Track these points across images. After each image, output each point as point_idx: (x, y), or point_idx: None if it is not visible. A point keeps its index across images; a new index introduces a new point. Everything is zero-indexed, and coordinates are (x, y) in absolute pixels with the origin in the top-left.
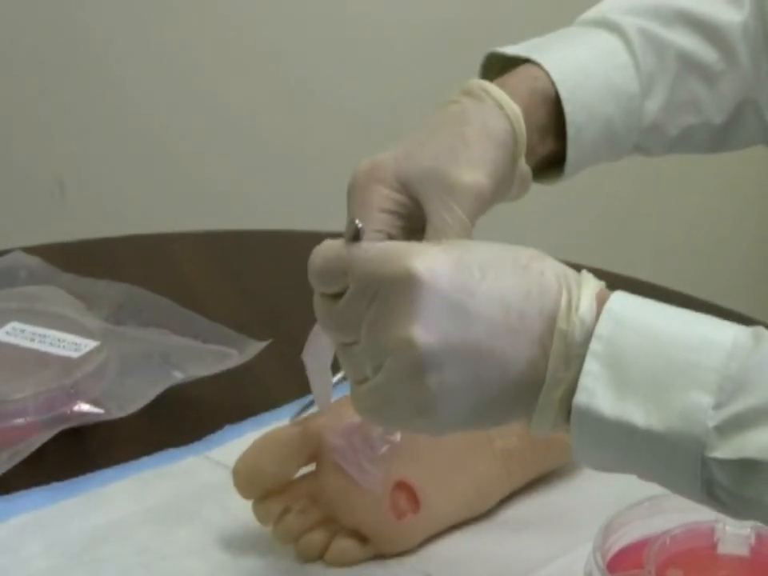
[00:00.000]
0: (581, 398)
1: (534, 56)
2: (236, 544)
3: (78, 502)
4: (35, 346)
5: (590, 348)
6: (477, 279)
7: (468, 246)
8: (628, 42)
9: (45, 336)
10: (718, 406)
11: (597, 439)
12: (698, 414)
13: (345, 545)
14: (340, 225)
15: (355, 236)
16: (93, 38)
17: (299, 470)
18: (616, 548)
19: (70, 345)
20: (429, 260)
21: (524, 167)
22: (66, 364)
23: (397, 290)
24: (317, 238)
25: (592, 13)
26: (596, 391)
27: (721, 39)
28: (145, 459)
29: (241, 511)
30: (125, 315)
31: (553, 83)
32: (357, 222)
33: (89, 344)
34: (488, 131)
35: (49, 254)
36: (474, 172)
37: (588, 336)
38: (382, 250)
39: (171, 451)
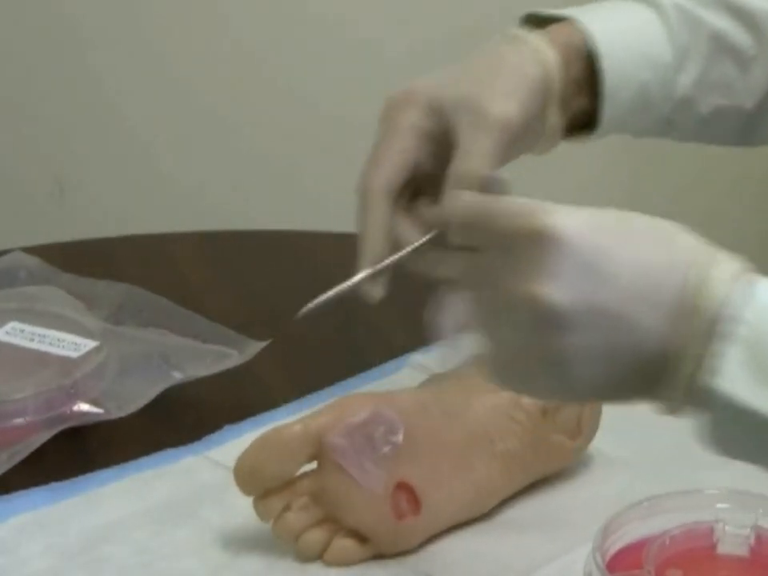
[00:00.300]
0: (718, 381)
1: (573, 15)
2: (235, 544)
3: (78, 502)
4: (35, 345)
5: (734, 331)
6: (616, 244)
7: (614, 213)
8: (664, 15)
9: (44, 336)
10: None
11: (728, 426)
12: None
13: (345, 544)
14: (339, 225)
15: (492, 188)
16: (92, 39)
17: (300, 468)
18: (615, 548)
19: (70, 345)
20: (568, 219)
21: (554, 118)
22: (66, 364)
23: (533, 245)
24: (316, 238)
25: None
26: (736, 377)
27: (755, 25)
28: (144, 459)
29: (240, 511)
30: (124, 315)
31: (588, 42)
32: (497, 175)
33: (88, 344)
34: (522, 71)
35: (48, 255)
36: (504, 104)
37: (730, 318)
38: (523, 206)
39: (170, 451)
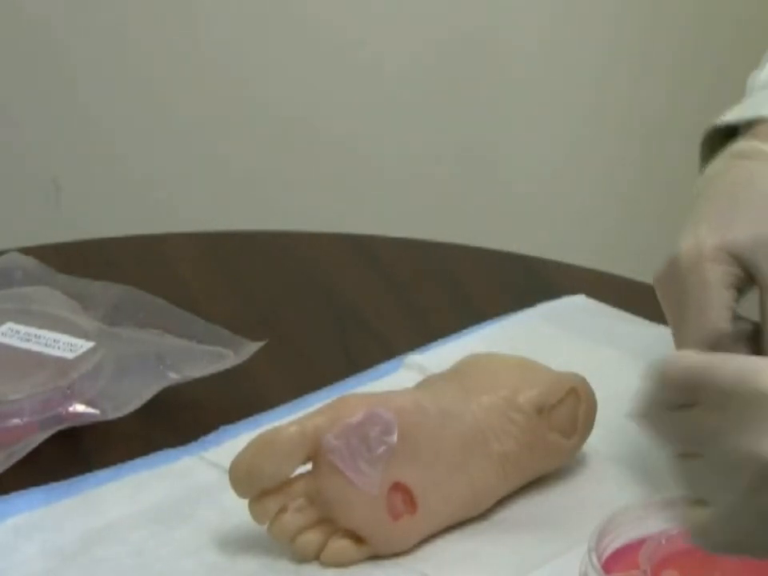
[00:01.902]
0: None
1: (763, 113)
2: (232, 545)
3: (74, 503)
4: (31, 346)
5: None
6: None
7: None
8: None
9: (40, 337)
10: None
11: None
12: None
13: (341, 545)
14: (338, 226)
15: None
16: (89, 39)
17: (296, 469)
18: (611, 548)
19: (66, 345)
20: None
21: None
22: (62, 365)
23: (753, 406)
24: (314, 238)
25: None
26: None
27: None
28: (140, 460)
29: (237, 512)
30: (120, 316)
31: None
32: (721, 326)
33: (84, 345)
34: None
35: (44, 255)
36: None
37: None
38: (741, 364)
39: (167, 452)
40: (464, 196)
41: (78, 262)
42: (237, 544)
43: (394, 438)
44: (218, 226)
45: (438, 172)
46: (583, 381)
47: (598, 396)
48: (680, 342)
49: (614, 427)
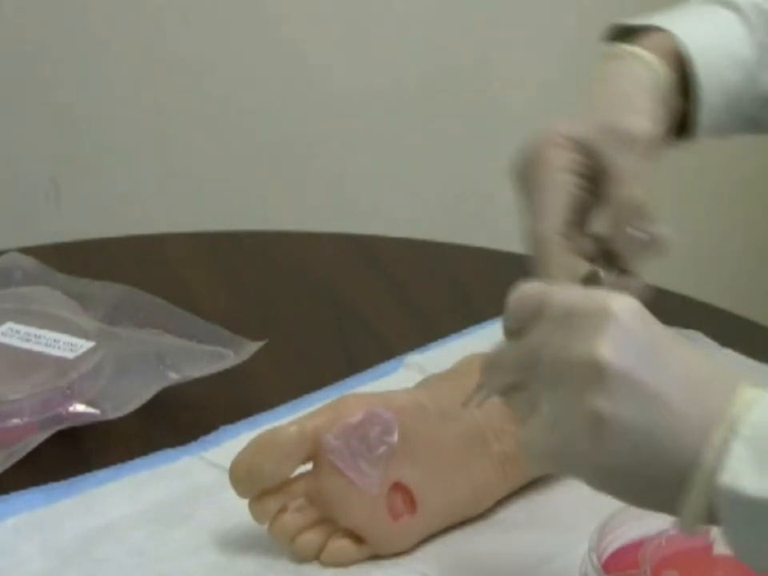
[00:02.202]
0: (724, 478)
1: (659, 24)
2: (232, 545)
3: (74, 503)
4: (31, 346)
5: (739, 432)
6: (668, 338)
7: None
8: (743, 15)
9: (40, 337)
10: None
11: (743, 521)
12: None
13: (341, 545)
14: (336, 225)
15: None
16: (88, 39)
17: (296, 469)
18: (611, 548)
19: (66, 345)
20: (626, 303)
21: (667, 124)
22: (62, 365)
23: (591, 319)
24: (313, 238)
25: None
26: (739, 470)
27: None
28: (140, 460)
29: (236, 512)
30: (120, 316)
31: (680, 48)
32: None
33: (84, 344)
34: (640, 83)
35: (44, 255)
36: (640, 120)
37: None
38: (582, 291)
39: (166, 452)
40: (464, 196)
41: (78, 262)
42: (237, 544)
43: (395, 437)
44: (217, 226)
45: (438, 172)
46: None
47: None
48: (527, 223)
49: None
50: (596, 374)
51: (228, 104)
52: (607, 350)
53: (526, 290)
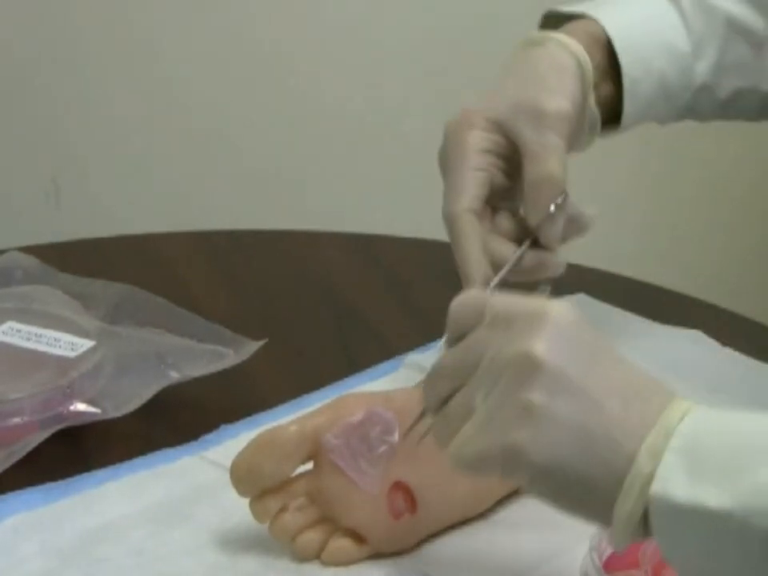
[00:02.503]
0: (656, 487)
1: (588, 12)
2: (232, 544)
3: (73, 503)
4: (31, 345)
5: (670, 444)
6: (605, 344)
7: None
8: (678, 4)
9: (41, 336)
10: None
11: (675, 529)
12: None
13: (341, 544)
14: (335, 225)
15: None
16: (87, 39)
17: (297, 468)
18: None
19: (67, 344)
20: (563, 308)
21: (593, 108)
22: (63, 364)
23: (529, 321)
24: (313, 238)
25: None
26: (670, 478)
27: (766, 6)
28: (140, 459)
29: (237, 511)
30: (121, 315)
31: (606, 34)
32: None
33: (85, 344)
34: (558, 65)
35: (45, 254)
36: (556, 100)
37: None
38: (521, 298)
39: (167, 451)
40: None
41: (79, 261)
42: (237, 543)
43: (396, 437)
44: (218, 226)
45: (438, 172)
46: None
47: None
48: (447, 207)
49: None
50: (531, 369)
51: (228, 104)
52: (543, 346)
53: (467, 298)
